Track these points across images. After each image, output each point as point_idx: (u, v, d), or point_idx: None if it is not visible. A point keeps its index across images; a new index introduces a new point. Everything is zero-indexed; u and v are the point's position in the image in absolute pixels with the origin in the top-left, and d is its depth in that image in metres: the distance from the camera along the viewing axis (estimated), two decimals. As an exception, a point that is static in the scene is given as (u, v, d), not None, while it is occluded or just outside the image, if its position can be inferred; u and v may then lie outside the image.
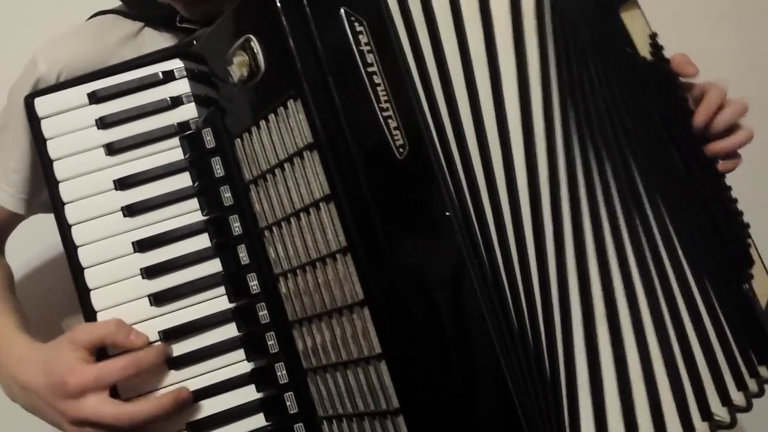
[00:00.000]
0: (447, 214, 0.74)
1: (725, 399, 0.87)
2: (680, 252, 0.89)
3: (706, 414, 0.85)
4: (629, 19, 0.96)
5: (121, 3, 1.05)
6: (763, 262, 1.00)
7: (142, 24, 1.02)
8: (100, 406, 0.78)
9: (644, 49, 0.96)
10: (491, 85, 0.82)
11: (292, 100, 0.73)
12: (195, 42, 0.86)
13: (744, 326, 0.91)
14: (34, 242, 1.19)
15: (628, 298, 0.84)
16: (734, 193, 1.00)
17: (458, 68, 0.80)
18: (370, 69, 0.74)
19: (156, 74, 0.87)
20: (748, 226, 1.00)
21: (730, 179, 1.00)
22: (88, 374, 0.78)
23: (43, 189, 0.98)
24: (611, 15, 0.94)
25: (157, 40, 1.01)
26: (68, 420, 0.78)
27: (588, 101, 0.87)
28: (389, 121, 0.73)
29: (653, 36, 0.98)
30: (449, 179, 0.76)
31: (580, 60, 0.88)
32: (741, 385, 0.89)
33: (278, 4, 0.73)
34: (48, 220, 0.90)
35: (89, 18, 1.04)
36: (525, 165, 0.81)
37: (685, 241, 0.89)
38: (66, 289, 0.86)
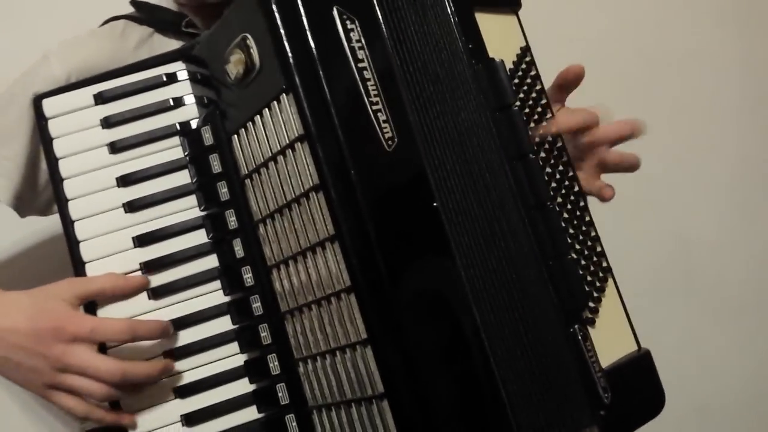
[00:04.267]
0: (434, 204, 0.76)
1: None
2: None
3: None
4: (495, 24, 0.92)
5: (132, 9, 1.09)
6: (629, 317, 0.94)
7: (152, 30, 1.05)
8: (94, 357, 0.79)
9: (508, 57, 0.90)
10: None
11: (284, 94, 0.76)
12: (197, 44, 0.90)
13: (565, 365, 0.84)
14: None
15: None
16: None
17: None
18: (360, 65, 0.76)
19: (160, 76, 0.90)
20: (608, 270, 0.93)
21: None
22: (86, 324, 0.79)
23: (40, 190, 1.01)
24: (465, 14, 0.88)
25: (166, 44, 1.05)
26: (52, 364, 0.79)
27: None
28: (378, 114, 0.76)
29: (524, 48, 0.94)
30: (437, 171, 0.77)
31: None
32: None
33: (273, 5, 0.76)
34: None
35: (102, 24, 1.08)
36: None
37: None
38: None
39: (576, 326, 0.85)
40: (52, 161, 0.89)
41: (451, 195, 0.78)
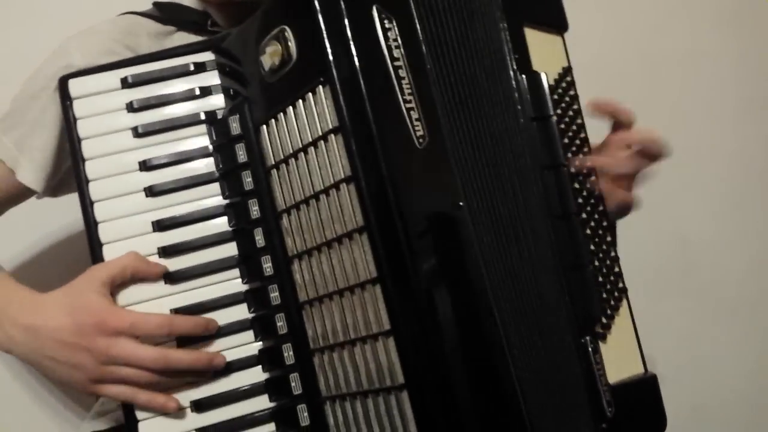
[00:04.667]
0: (461, 204, 0.78)
1: None
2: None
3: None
4: (541, 41, 0.95)
5: (152, 7, 1.09)
6: (639, 340, 0.96)
7: (174, 28, 1.06)
8: (137, 347, 0.80)
9: (550, 74, 0.93)
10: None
11: (321, 87, 0.77)
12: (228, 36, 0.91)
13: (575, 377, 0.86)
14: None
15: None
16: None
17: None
18: (396, 63, 0.78)
19: (188, 65, 0.91)
20: (623, 290, 0.95)
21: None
22: (126, 319, 0.80)
23: (59, 171, 1.01)
24: (514, 26, 0.91)
25: (189, 41, 1.05)
26: (98, 358, 0.80)
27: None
28: (411, 112, 0.78)
29: (566, 69, 0.97)
30: (466, 171, 0.79)
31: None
32: None
33: (316, 3, 0.78)
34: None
35: (122, 14, 1.08)
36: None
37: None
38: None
39: (588, 337, 0.87)
40: (75, 142, 0.89)
41: (477, 195, 0.80)
